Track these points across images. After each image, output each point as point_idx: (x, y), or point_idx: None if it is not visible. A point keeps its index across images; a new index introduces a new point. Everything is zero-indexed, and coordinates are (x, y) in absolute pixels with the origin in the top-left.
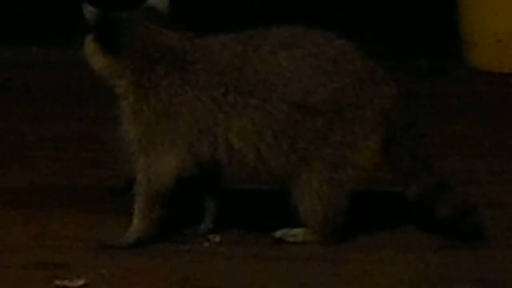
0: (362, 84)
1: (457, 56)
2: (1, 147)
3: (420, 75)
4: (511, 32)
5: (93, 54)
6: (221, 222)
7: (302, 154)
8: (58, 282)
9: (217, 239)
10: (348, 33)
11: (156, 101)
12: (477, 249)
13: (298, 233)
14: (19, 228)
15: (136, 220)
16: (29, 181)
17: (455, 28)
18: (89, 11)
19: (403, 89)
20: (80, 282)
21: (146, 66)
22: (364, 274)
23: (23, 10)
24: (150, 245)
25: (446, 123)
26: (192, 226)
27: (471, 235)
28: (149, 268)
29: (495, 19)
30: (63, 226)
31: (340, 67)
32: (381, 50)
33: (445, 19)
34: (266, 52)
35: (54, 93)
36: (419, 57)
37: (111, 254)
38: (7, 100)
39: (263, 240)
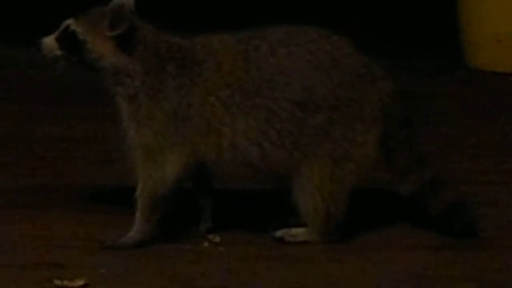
0: (360, 79)
1: (457, 56)
2: (2, 147)
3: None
4: (511, 32)
5: (107, 52)
6: (221, 222)
7: (304, 151)
8: (58, 282)
9: (217, 239)
10: (348, 33)
11: (168, 104)
12: (476, 249)
13: (298, 233)
14: (19, 228)
15: (138, 223)
16: (29, 181)
17: (455, 28)
18: (116, 4)
19: (403, 88)
20: (80, 282)
21: (157, 66)
22: (364, 274)
23: (23, 10)
24: (150, 245)
25: (446, 123)
26: (192, 226)
27: (464, 232)
28: (149, 268)
29: (495, 19)
30: (63, 226)
31: (337, 63)
32: (381, 49)
33: (445, 19)
34: (265, 51)
35: (54, 94)
36: (419, 57)
37: (111, 254)
38: (7, 100)
39: (263, 240)
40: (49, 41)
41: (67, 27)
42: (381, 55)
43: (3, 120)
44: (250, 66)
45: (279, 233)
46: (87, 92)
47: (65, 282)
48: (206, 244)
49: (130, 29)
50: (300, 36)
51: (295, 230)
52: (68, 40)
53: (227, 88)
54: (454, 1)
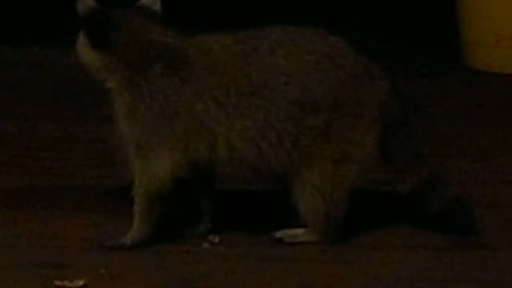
0: (359, 79)
1: (457, 56)
2: (1, 147)
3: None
4: (511, 33)
5: (82, 47)
6: (221, 222)
7: (304, 152)
8: (58, 282)
9: (217, 239)
10: (347, 34)
11: (152, 100)
12: (477, 249)
13: (298, 233)
14: (19, 228)
15: (136, 222)
16: (29, 181)
17: (455, 28)
18: (83, 2)
19: (403, 88)
20: (80, 282)
21: (141, 63)
22: (364, 275)
23: (23, 10)
24: (150, 245)
25: (446, 123)
26: (191, 226)
27: (464, 228)
28: (149, 268)
29: (495, 20)
30: (63, 226)
31: (336, 63)
32: (381, 50)
33: (445, 19)
34: (264, 51)
35: (54, 94)
36: (419, 57)
37: (111, 254)
38: (7, 101)
39: (263, 240)
40: None
41: None
42: (381, 56)
43: (2, 120)
44: (248, 66)
45: (279, 234)
46: (86, 93)
47: (65, 282)
48: (206, 244)
49: (100, 27)
50: (298, 36)
51: (295, 231)
52: None
53: (222, 88)
54: (454, 1)
